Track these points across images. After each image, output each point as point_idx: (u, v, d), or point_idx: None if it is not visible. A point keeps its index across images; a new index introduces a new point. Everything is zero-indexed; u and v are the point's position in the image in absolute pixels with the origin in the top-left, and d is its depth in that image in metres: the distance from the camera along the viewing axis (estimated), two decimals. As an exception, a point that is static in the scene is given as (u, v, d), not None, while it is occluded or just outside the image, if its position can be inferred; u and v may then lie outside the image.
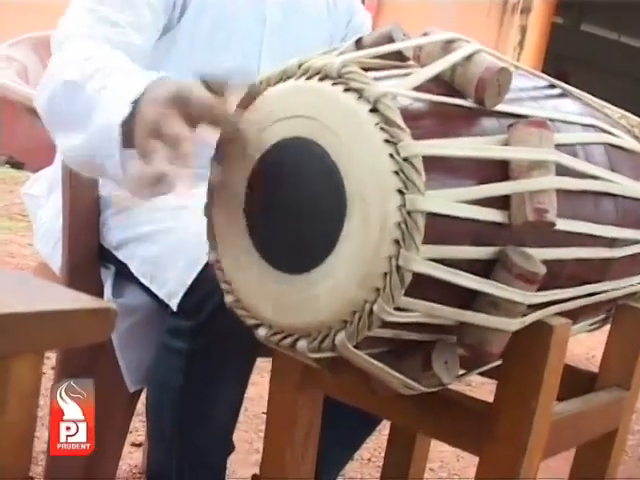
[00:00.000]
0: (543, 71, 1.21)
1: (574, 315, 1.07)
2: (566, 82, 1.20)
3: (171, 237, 1.37)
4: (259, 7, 1.48)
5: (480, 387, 2.49)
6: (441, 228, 0.84)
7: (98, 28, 1.28)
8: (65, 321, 0.82)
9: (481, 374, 1.14)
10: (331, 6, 1.59)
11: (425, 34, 0.98)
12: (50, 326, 0.81)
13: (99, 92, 1.06)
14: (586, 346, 3.04)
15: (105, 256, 1.48)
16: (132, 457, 2.05)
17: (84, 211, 1.50)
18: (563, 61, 8.49)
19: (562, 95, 1.15)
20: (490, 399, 1.03)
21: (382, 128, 0.82)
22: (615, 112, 1.29)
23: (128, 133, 0.97)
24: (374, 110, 0.83)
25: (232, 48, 1.45)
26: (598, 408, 1.20)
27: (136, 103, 0.96)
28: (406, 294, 0.83)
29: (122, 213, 1.46)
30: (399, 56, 0.96)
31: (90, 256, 1.50)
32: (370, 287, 0.83)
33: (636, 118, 1.34)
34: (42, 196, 1.62)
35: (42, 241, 1.59)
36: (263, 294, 0.91)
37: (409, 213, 0.81)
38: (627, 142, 1.18)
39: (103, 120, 1.02)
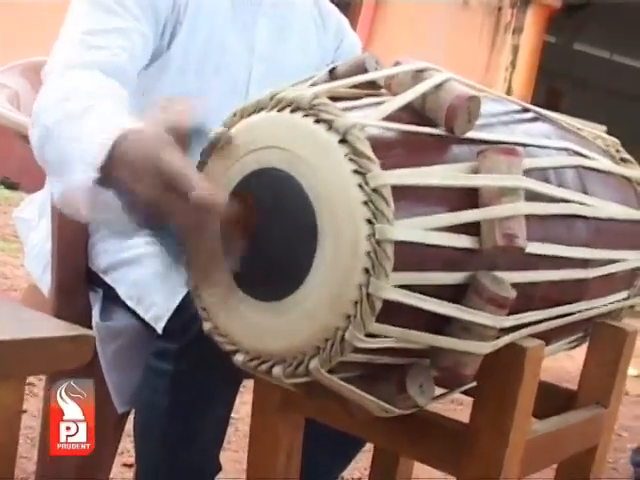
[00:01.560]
0: (535, 90, 1.23)
1: (549, 336, 1.09)
2: (558, 100, 1.22)
3: (157, 261, 1.39)
4: (248, 35, 1.49)
5: (470, 406, 2.50)
6: (411, 255, 0.86)
7: (88, 55, 1.28)
8: (45, 348, 0.85)
9: (464, 394, 1.16)
10: (320, 31, 1.59)
11: (397, 63, 1.00)
12: (31, 353, 0.83)
13: (69, 143, 1.06)
14: (579, 362, 3.05)
15: (93, 279, 1.50)
16: (124, 477, 2.06)
17: (72, 235, 1.51)
18: (555, 80, 8.52)
19: (534, 119, 1.17)
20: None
21: (351, 159, 0.84)
22: (590, 133, 1.31)
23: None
24: (343, 141, 0.85)
25: (222, 75, 1.46)
26: (577, 426, 1.22)
27: (104, 166, 0.96)
28: (378, 320, 0.85)
29: (110, 237, 1.48)
30: (371, 85, 0.99)
31: (78, 279, 1.52)
32: (341, 314, 0.85)
33: (612, 138, 1.36)
34: (33, 219, 1.64)
35: (33, 263, 1.61)
36: (239, 321, 0.92)
37: (378, 242, 0.83)
38: (601, 163, 1.20)
39: (74, 177, 1.01)
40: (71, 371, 1.43)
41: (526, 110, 1.18)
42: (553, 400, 1.26)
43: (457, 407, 2.56)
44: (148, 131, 0.96)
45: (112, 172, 0.96)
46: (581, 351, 1.37)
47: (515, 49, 6.71)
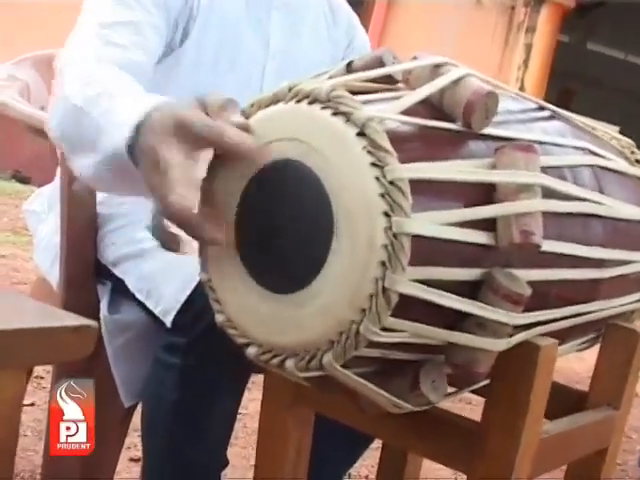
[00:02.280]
0: (548, 89, 1.22)
1: (562, 335, 1.08)
2: (571, 100, 1.22)
3: (167, 254, 1.38)
4: (263, 31, 1.50)
5: (480, 405, 2.49)
6: (427, 250, 0.85)
7: (103, 51, 1.29)
8: (47, 338, 0.84)
9: (474, 392, 1.16)
10: (331, 26, 1.60)
11: (414, 58, 0.99)
12: (32, 343, 0.83)
13: (103, 116, 1.07)
14: (589, 364, 3.04)
15: (102, 272, 1.50)
16: (131, 472, 2.06)
17: (81, 228, 1.51)
18: (568, 80, 8.49)
19: (551, 117, 1.16)
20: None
21: (369, 151, 0.84)
22: (606, 134, 1.30)
23: (135, 156, 0.98)
24: (361, 134, 0.84)
25: (236, 71, 1.46)
26: (587, 427, 1.21)
27: (138, 128, 0.96)
28: (393, 315, 0.84)
29: (119, 230, 1.48)
30: (389, 79, 0.98)
31: (87, 272, 1.52)
32: (357, 308, 0.84)
33: (627, 140, 1.36)
34: (43, 212, 1.64)
35: (41, 256, 1.61)
36: (252, 314, 0.92)
37: (395, 235, 0.82)
38: (617, 164, 1.20)
39: (109, 144, 1.03)
40: (76, 365, 1.44)
41: (542, 108, 1.17)
42: (563, 401, 1.25)
43: (466, 406, 2.55)
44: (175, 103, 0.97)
45: (142, 141, 0.95)
46: (591, 353, 1.37)
47: (528, 48, 6.69)
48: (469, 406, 2.54)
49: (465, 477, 1.07)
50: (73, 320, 0.86)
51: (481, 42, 6.38)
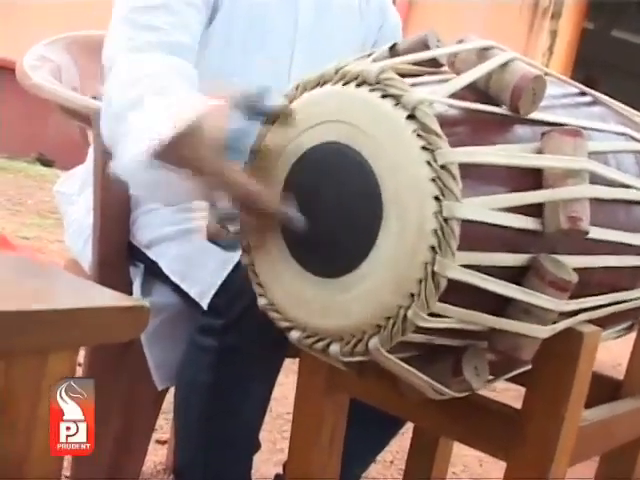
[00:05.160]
0: (572, 77, 1.21)
1: (602, 322, 1.07)
2: (595, 88, 1.20)
3: (202, 237, 1.38)
4: (292, 9, 1.47)
5: (504, 392, 2.48)
6: (476, 235, 0.85)
7: (139, 37, 1.26)
8: (101, 318, 0.85)
9: (507, 380, 1.15)
10: (363, 9, 1.57)
11: (460, 41, 0.98)
12: (86, 322, 0.83)
13: (138, 121, 1.06)
14: (613, 354, 3.02)
15: (135, 254, 1.50)
16: (157, 454, 2.06)
17: (115, 209, 1.51)
18: (593, 67, 8.41)
19: (593, 103, 1.15)
20: (514, 404, 1.04)
21: (419, 135, 0.83)
22: (643, 119, 1.29)
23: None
24: (411, 117, 0.84)
25: (265, 50, 1.44)
26: (625, 415, 1.21)
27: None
28: (440, 300, 0.84)
29: (153, 212, 1.47)
30: (433, 62, 0.97)
31: (120, 254, 1.52)
32: (405, 293, 0.84)
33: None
34: (74, 194, 1.64)
35: (73, 238, 1.61)
36: (297, 298, 0.91)
37: (445, 220, 0.82)
38: (657, 150, 1.18)
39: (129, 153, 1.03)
40: (112, 349, 1.45)
41: (584, 93, 1.16)
42: (599, 389, 1.24)
43: (490, 393, 2.54)
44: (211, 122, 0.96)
45: (172, 154, 0.97)
46: (616, 343, 1.36)
47: (553, 34, 6.64)
48: (493, 393, 2.53)
49: (491, 462, 1.07)
50: (126, 300, 0.86)
51: (506, 27, 6.32)
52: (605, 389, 1.27)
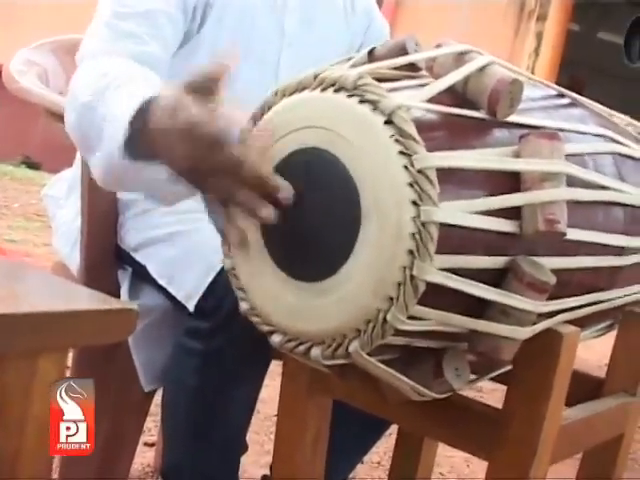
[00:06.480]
0: (558, 78, 1.22)
1: (581, 322, 1.08)
2: (581, 90, 1.21)
3: (189, 240, 1.39)
4: (278, 17, 1.49)
5: (491, 393, 2.49)
6: (454, 238, 0.86)
7: (118, 42, 1.29)
8: (89, 321, 0.86)
9: (492, 380, 1.16)
10: (349, 13, 1.58)
11: (438, 45, 0.99)
12: (74, 325, 0.84)
13: (107, 107, 1.08)
14: (597, 353, 3.04)
15: (122, 258, 1.51)
16: (145, 456, 2.07)
17: (102, 213, 1.52)
18: (579, 68, 8.44)
19: (571, 104, 1.16)
20: (502, 405, 1.05)
21: (397, 140, 0.84)
22: (622, 120, 1.30)
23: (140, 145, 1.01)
24: (389, 122, 0.85)
25: (251, 58, 1.45)
26: (605, 414, 1.22)
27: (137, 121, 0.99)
28: (419, 303, 0.85)
29: (140, 215, 1.48)
30: (412, 67, 0.98)
31: (107, 257, 1.53)
32: (384, 296, 0.85)
33: (642, 126, 1.35)
34: (62, 197, 1.64)
35: (61, 241, 1.61)
36: (278, 302, 0.92)
37: (423, 224, 0.83)
38: (635, 151, 1.20)
39: (107, 138, 1.05)
40: (98, 351, 1.45)
41: (562, 95, 1.17)
42: (580, 387, 1.25)
43: (477, 394, 2.56)
44: (166, 96, 0.97)
45: (144, 140, 0.98)
46: (599, 342, 1.37)
47: (539, 36, 6.65)
48: (479, 394, 2.55)
49: (478, 463, 1.08)
50: (114, 303, 0.87)
51: (492, 29, 6.34)
52: (587, 388, 1.28)
